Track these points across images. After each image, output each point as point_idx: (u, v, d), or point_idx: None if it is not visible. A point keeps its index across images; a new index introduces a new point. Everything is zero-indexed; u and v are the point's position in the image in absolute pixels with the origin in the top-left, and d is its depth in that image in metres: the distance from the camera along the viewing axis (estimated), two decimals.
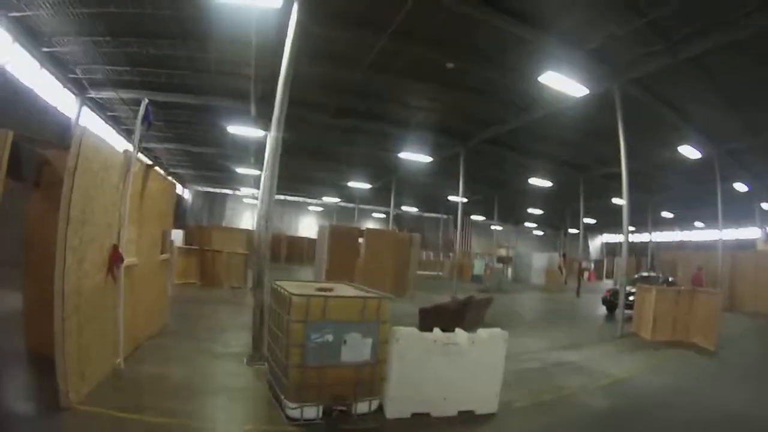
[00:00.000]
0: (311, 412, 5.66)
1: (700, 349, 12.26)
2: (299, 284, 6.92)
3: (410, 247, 20.07)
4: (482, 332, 6.55)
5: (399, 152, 25.66)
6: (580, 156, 26.83)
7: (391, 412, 5.98)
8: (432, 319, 10.15)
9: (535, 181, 30.07)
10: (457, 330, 6.50)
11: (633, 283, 18.56)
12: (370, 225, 47.30)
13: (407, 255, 19.74)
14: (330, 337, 5.75)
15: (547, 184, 30.05)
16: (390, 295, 6.51)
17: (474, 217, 51.46)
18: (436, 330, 6.37)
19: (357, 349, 5.88)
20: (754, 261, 23.01)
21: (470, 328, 7.00)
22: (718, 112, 18.91)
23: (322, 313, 5.71)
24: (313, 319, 5.66)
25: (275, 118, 8.91)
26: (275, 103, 9.00)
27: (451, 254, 31.21)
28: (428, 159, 26.66)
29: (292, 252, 42.33)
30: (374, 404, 6.06)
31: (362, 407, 5.98)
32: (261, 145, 21.87)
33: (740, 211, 38.20)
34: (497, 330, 6.67)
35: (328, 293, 6.18)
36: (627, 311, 15.31)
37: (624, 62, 15.20)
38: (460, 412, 6.23)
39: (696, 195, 33.20)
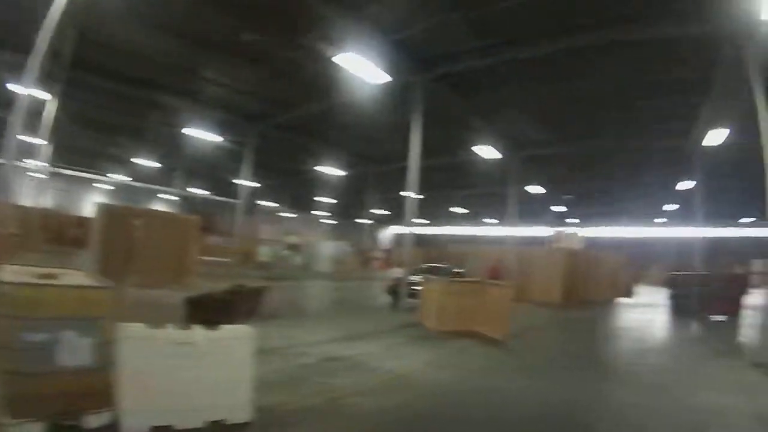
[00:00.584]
0: (34, 429, 4.62)
1: (488, 339, 12.27)
2: (19, 270, 5.79)
3: (190, 230, 18.34)
4: (224, 329, 5.56)
5: (187, 128, 23.79)
6: (377, 147, 27.31)
7: (128, 426, 4.97)
8: (200, 310, 8.99)
9: (329, 170, 30.08)
10: (195, 327, 5.47)
11: (420, 273, 18.86)
12: (159, 207, 43.78)
13: (187, 239, 17.99)
14: (44, 337, 4.79)
15: (341, 173, 30.25)
16: (111, 284, 5.54)
17: (265, 203, 50.38)
18: (170, 327, 5.33)
19: (74, 351, 4.92)
20: (545, 257, 25.02)
21: (245, 320, 6.59)
22: (523, 118, 20.47)
23: (35, 306, 4.76)
24: (24, 313, 4.70)
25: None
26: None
27: (239, 240, 29.84)
28: (218, 139, 25.21)
29: (86, 235, 36.75)
30: (108, 417, 5.05)
31: (94, 421, 4.99)
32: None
33: (534, 211, 42.80)
34: (242, 327, 5.78)
35: (45, 281, 5.16)
36: (412, 300, 15.56)
37: (433, 56, 15.48)
38: (209, 423, 5.24)
39: (492, 193, 35.97)
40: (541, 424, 6.67)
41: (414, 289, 16.19)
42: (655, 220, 50.19)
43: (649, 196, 37.99)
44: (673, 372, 10.35)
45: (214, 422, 5.26)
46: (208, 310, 8.60)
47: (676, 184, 29.67)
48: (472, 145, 21.48)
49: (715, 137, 18.26)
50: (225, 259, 25.55)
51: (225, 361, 5.43)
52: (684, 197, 31.94)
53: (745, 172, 24.73)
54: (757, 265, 36.41)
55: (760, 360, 10.46)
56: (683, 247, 35.68)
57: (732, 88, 14.36)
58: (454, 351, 11.00)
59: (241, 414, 5.44)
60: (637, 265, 39.91)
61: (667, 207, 38.40)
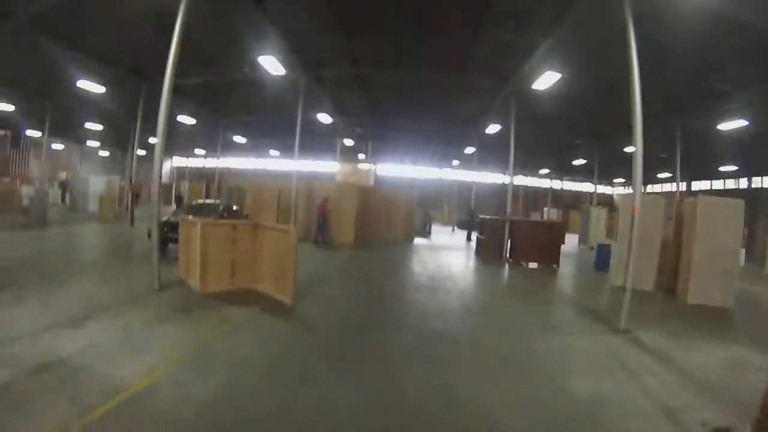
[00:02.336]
0: None
1: (273, 302, 9.43)
2: None
3: None
4: None
5: None
6: (143, 57, 20.92)
7: None
8: None
9: (88, 86, 22.55)
10: None
11: (188, 212, 15.39)
12: None
13: None
14: None
15: (101, 89, 22.89)
16: None
17: (32, 133, 39.77)
18: None
19: None
20: (336, 193, 22.66)
21: None
22: (319, 29, 17.94)
23: None
24: None
25: None
26: None
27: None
28: None
29: None
30: None
31: None
32: None
33: (323, 143, 40.17)
34: None
35: None
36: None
37: None
38: None
39: (276, 121, 32.95)
40: None
41: (173, 234, 12.70)
42: (453, 162, 51.16)
43: (448, 137, 38.16)
44: (514, 346, 8.09)
45: None
46: None
47: (478, 129, 29.80)
48: (258, 56, 17.65)
49: (538, 79, 17.33)
50: None
51: None
52: (483, 143, 32.23)
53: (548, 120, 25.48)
54: (550, 212, 39.18)
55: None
56: (481, 191, 36.49)
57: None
58: (227, 329, 7.69)
59: None
60: (431, 205, 40.40)
61: (468, 150, 38.60)
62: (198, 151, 55.50)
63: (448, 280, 14.42)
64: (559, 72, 15.95)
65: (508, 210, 22.01)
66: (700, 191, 28.05)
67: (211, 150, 44.40)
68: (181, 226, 11.43)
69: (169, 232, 13.11)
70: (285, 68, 18.14)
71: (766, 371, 7.22)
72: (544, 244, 19.37)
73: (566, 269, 19.36)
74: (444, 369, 6.65)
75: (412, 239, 26.73)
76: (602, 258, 19.51)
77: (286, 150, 44.70)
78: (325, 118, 28.39)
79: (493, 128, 26.74)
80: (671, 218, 15.12)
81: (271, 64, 17.44)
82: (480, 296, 13.22)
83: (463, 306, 11.19)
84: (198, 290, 9.89)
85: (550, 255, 19.26)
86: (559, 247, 19.61)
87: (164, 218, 14.31)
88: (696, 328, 10.26)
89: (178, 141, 41.95)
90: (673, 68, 17.35)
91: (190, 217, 11.87)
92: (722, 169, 40.81)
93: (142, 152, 40.22)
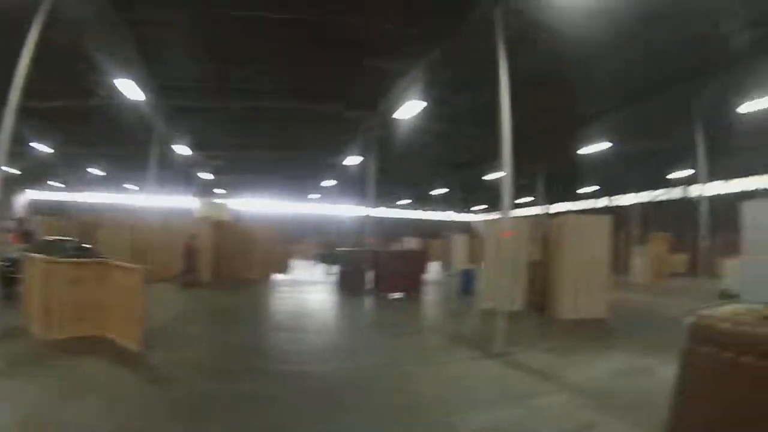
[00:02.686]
0: None
1: (121, 351, 8.15)
2: None
3: None
4: None
5: None
6: None
7: None
8: None
9: None
10: None
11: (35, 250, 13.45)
12: None
13: None
14: None
15: None
16: None
17: None
18: None
19: None
20: (192, 230, 21.20)
21: None
22: (180, 54, 16.53)
23: None
24: None
25: None
26: None
27: None
28: None
29: None
30: None
31: None
32: None
33: (179, 178, 37.60)
34: None
35: None
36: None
37: None
38: None
39: (135, 153, 30.20)
40: None
41: (12, 274, 11.09)
42: (310, 196, 50.27)
43: (310, 170, 37.60)
44: (390, 384, 7.44)
45: None
46: None
47: (339, 160, 29.66)
48: (115, 79, 16.19)
49: (400, 112, 17.79)
50: None
51: None
52: (345, 175, 32.24)
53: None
54: (410, 242, 39.75)
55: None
56: (341, 224, 36.33)
57: None
58: (63, 388, 6.26)
59: None
60: (290, 239, 39.50)
61: (325, 183, 38.41)
62: (57, 183, 50.02)
63: (312, 318, 13.63)
64: (424, 101, 16.20)
65: (368, 241, 21.88)
66: (568, 212, 30.34)
67: (71, 183, 40.02)
68: (27, 266, 9.90)
69: (13, 272, 11.33)
70: (144, 93, 16.90)
71: (652, 373, 7.48)
72: (406, 273, 19.16)
73: (432, 296, 19.46)
74: (324, 417, 5.85)
75: (272, 275, 25.60)
76: (467, 282, 19.72)
77: (146, 184, 41.81)
78: (183, 150, 26.82)
79: (353, 160, 26.80)
80: (538, 239, 15.63)
81: (129, 89, 16.14)
82: (347, 332, 12.45)
83: (332, 344, 10.46)
84: (40, 338, 8.49)
85: (413, 284, 19.15)
86: (422, 275, 19.68)
87: (11, 256, 12.92)
88: (574, 343, 10.50)
89: (34, 171, 38.29)
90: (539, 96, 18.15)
91: (35, 255, 10.18)
92: (582, 191, 44.63)
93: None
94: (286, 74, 18.25)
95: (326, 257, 32.06)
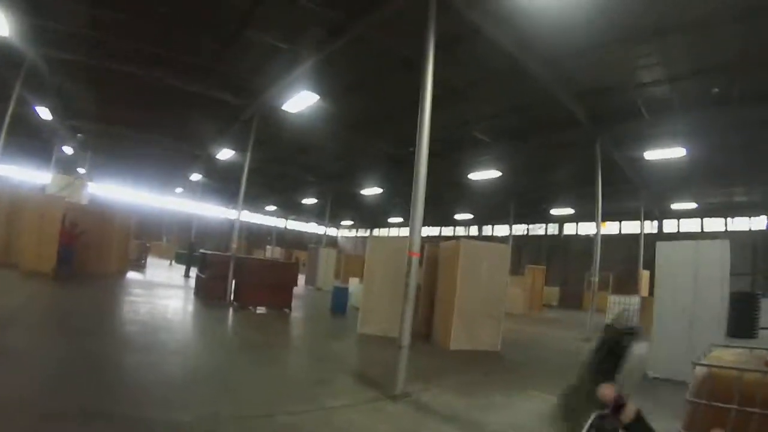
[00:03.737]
0: None
1: None
2: None
3: None
4: None
5: None
6: None
7: None
8: None
9: None
10: None
11: None
12: None
13: None
14: None
15: None
16: None
17: None
18: None
19: None
20: (40, 209, 17.95)
21: None
22: None
23: None
24: None
25: None
26: None
27: None
28: None
29: None
30: None
31: None
32: None
33: (35, 147, 32.44)
34: None
35: None
36: None
37: None
38: None
39: None
40: None
41: None
42: (177, 189, 45.47)
43: (176, 160, 34.20)
44: None
45: None
46: None
47: (209, 152, 27.62)
48: None
49: (289, 104, 16.36)
50: None
51: None
52: (212, 170, 30.07)
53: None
54: (274, 251, 37.78)
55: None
56: (204, 224, 33.58)
57: None
58: None
59: None
60: (149, 234, 36.05)
61: (192, 177, 35.26)
62: None
63: (168, 333, 11.13)
64: (318, 94, 14.65)
65: (234, 246, 19.57)
66: (462, 236, 30.08)
67: None
68: None
69: None
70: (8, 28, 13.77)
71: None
72: (274, 285, 17.16)
73: (300, 313, 17.65)
74: None
75: (126, 272, 22.51)
76: (339, 301, 18.61)
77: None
78: (44, 113, 22.97)
79: (225, 153, 24.47)
80: (423, 262, 14.56)
81: None
82: (211, 356, 9.90)
83: (193, 375, 8.04)
84: None
85: (281, 298, 17.20)
86: (292, 290, 17.95)
87: None
88: (480, 378, 9.48)
89: None
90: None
91: None
92: (459, 217, 44.88)
93: None
94: (152, 35, 15.70)
95: (184, 258, 29.37)
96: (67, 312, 12.04)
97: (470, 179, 24.24)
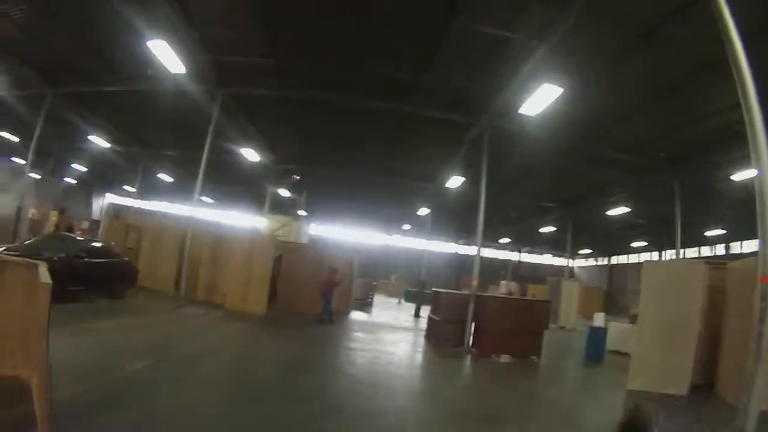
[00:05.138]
0: None
1: None
2: None
3: None
4: None
5: None
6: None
7: None
8: None
9: None
10: None
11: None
12: None
13: None
14: None
15: None
16: None
17: None
18: None
19: None
20: (244, 251, 17.65)
21: None
22: None
23: None
24: None
25: None
26: None
27: None
28: None
29: None
30: None
31: None
32: None
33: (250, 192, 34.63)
34: None
35: None
36: None
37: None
38: None
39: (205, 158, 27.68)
40: None
41: None
42: (403, 226, 45.10)
43: (399, 196, 33.24)
44: None
45: None
46: None
47: (435, 185, 26.26)
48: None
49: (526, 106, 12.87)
50: None
51: None
52: (440, 204, 28.97)
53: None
54: (508, 285, 35.12)
55: None
56: (433, 261, 32.06)
57: None
58: None
59: None
60: (373, 273, 35.61)
61: (421, 211, 34.03)
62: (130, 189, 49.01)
63: (386, 396, 8.61)
64: (560, 86, 11.54)
65: (474, 283, 16.86)
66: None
67: (142, 189, 38.58)
68: None
69: None
70: (186, 67, 13.59)
71: None
72: (521, 329, 14.32)
73: (551, 362, 14.54)
74: None
75: (349, 313, 21.45)
76: (596, 347, 15.13)
77: (219, 197, 40.42)
78: (250, 155, 23.61)
79: (455, 181, 22.24)
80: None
81: (168, 57, 12.95)
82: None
83: None
84: None
85: (528, 344, 14.30)
86: (542, 334, 14.88)
87: None
88: None
89: (106, 174, 38.94)
90: None
91: None
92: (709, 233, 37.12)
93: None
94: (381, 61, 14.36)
95: (414, 296, 27.94)
96: (271, 360, 10.68)
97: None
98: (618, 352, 15.92)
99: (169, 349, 9.47)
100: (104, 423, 5.06)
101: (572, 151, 19.63)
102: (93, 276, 12.69)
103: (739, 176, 17.05)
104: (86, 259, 12.84)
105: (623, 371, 11.45)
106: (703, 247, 39.52)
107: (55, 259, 10.80)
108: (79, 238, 16.07)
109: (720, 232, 34.39)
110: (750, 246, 34.78)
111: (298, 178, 30.80)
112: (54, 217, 27.02)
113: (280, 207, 32.74)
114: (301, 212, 35.07)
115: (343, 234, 48.09)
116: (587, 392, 11.53)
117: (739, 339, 9.32)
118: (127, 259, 15.88)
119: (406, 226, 43.30)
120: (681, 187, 20.49)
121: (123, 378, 6.86)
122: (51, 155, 32.58)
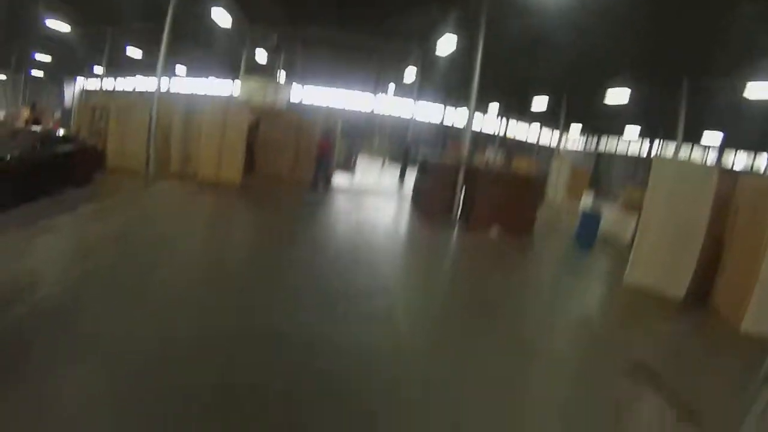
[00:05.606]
0: None
1: None
2: None
3: None
4: None
5: None
6: None
7: None
8: None
9: None
10: None
11: None
12: None
13: None
14: None
15: None
16: None
17: None
18: None
19: None
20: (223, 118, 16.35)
21: None
22: None
23: None
24: None
25: None
26: None
27: None
28: None
29: None
30: None
31: None
32: None
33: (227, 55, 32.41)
34: None
35: None
36: None
37: None
38: None
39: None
40: None
41: None
42: (390, 88, 42.53)
43: (385, 57, 31.40)
44: None
45: None
46: None
47: (424, 47, 24.89)
48: None
49: None
50: None
51: None
52: (427, 66, 27.47)
53: None
54: (490, 152, 34.36)
55: None
56: (415, 128, 30.88)
57: None
58: None
59: None
60: (359, 136, 34.36)
61: (408, 73, 32.22)
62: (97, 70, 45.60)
63: (367, 273, 8.23)
64: None
65: (464, 153, 16.00)
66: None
67: (111, 68, 36.11)
68: None
69: None
70: None
71: None
72: (514, 205, 13.63)
73: (541, 243, 14.12)
74: None
75: (329, 180, 20.68)
76: (588, 233, 14.28)
77: (193, 66, 38.80)
78: (221, 19, 21.60)
79: (448, 42, 20.24)
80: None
81: None
82: (441, 318, 6.85)
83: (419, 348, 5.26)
84: None
85: (521, 222, 13.73)
86: (535, 212, 14.31)
87: None
88: None
89: (73, 60, 36.58)
90: None
91: None
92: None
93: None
94: None
95: (401, 160, 26.97)
96: (242, 236, 10.22)
97: None
98: (605, 241, 15.37)
99: (126, 239, 8.42)
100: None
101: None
102: (53, 167, 11.46)
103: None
104: (43, 152, 11.48)
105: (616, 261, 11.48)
106: (696, 147, 38.19)
107: (8, 159, 9.56)
108: (35, 129, 14.72)
109: (718, 134, 33.30)
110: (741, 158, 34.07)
111: (277, 39, 28.75)
112: (26, 113, 24.99)
113: (257, 71, 30.73)
114: (281, 76, 33.02)
115: (327, 98, 45.75)
116: (582, 282, 10.96)
117: (742, 255, 8.97)
118: (91, 142, 14.47)
119: (392, 87, 41.45)
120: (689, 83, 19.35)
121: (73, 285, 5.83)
122: (12, 52, 30.13)
